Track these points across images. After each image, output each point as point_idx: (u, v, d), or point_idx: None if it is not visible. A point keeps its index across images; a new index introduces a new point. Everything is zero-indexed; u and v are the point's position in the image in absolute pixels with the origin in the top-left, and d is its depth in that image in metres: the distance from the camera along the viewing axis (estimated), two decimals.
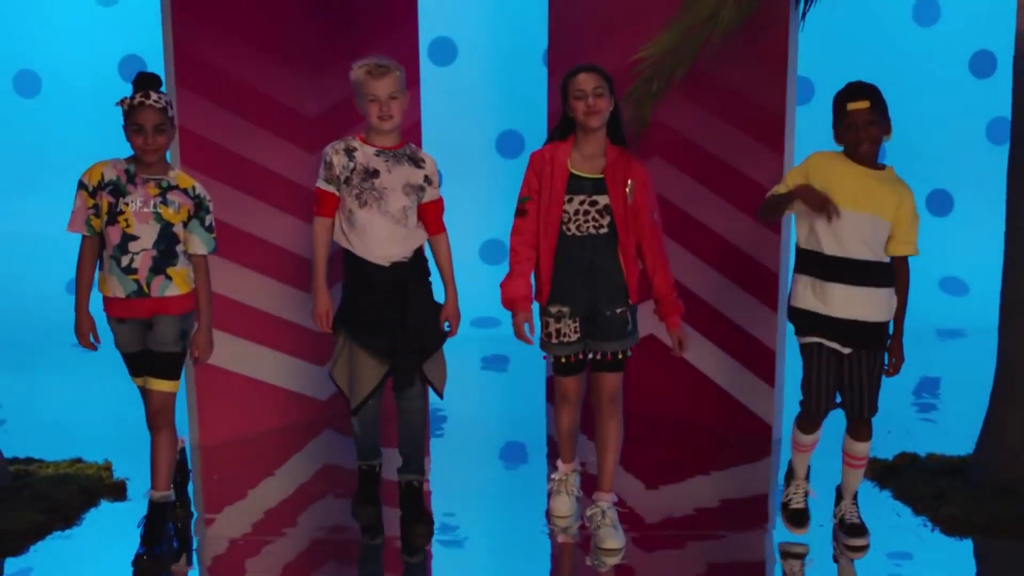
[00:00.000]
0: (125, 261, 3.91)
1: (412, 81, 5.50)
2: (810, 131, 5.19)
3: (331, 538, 4.27)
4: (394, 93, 4.07)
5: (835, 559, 4.08)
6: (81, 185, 3.93)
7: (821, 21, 5.22)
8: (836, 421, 4.12)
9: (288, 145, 5.39)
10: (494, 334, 7.19)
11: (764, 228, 5.05)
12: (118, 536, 4.17)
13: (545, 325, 4.11)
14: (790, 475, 4.31)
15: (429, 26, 7.37)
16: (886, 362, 4.02)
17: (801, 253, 4.01)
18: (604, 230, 4.00)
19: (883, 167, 3.95)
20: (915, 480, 4.57)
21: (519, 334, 4.06)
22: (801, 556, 4.11)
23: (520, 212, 4.07)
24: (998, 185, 4.55)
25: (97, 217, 3.92)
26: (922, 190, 8.05)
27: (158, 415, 4.02)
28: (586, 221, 3.99)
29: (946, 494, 4.37)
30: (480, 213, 7.85)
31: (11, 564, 3.98)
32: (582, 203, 3.99)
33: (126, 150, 3.95)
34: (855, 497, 4.20)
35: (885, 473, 4.71)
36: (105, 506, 4.52)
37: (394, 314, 4.13)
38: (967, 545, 4.14)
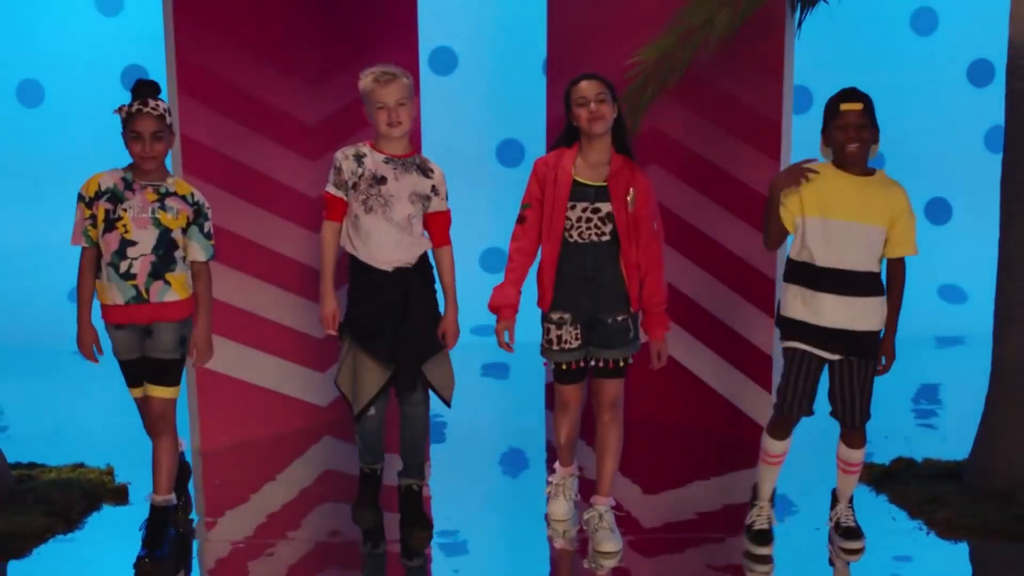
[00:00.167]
0: (124, 267, 3.91)
1: (413, 90, 5.52)
2: (809, 140, 5.19)
3: (331, 542, 4.30)
4: (402, 99, 4.09)
5: (831, 562, 4.10)
6: (79, 197, 3.95)
7: (819, 30, 5.24)
8: (831, 426, 4.14)
9: (289, 153, 5.42)
10: (494, 342, 7.13)
11: (760, 234, 5.06)
12: (120, 539, 4.20)
13: (546, 331, 4.12)
14: (755, 496, 4.22)
15: (429, 36, 7.39)
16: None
17: (792, 264, 4.00)
18: (606, 238, 4.02)
19: (872, 171, 3.94)
20: (911, 484, 4.60)
21: (499, 341, 4.12)
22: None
23: (520, 219, 4.10)
24: (996, 193, 4.57)
25: (94, 227, 3.92)
26: (920, 198, 8.11)
27: (159, 421, 4.04)
28: (588, 228, 4.01)
29: (941, 498, 4.40)
30: (480, 222, 7.86)
31: (14, 567, 4.01)
32: (585, 210, 4.00)
33: (128, 159, 3.97)
34: (851, 501, 4.21)
35: (882, 478, 4.73)
36: (107, 510, 4.55)
37: (396, 318, 4.16)
38: (962, 548, 4.17)
